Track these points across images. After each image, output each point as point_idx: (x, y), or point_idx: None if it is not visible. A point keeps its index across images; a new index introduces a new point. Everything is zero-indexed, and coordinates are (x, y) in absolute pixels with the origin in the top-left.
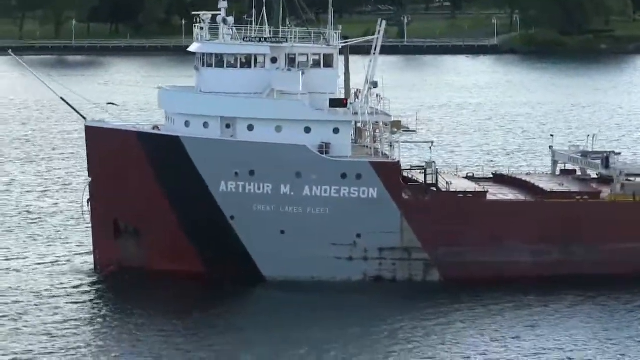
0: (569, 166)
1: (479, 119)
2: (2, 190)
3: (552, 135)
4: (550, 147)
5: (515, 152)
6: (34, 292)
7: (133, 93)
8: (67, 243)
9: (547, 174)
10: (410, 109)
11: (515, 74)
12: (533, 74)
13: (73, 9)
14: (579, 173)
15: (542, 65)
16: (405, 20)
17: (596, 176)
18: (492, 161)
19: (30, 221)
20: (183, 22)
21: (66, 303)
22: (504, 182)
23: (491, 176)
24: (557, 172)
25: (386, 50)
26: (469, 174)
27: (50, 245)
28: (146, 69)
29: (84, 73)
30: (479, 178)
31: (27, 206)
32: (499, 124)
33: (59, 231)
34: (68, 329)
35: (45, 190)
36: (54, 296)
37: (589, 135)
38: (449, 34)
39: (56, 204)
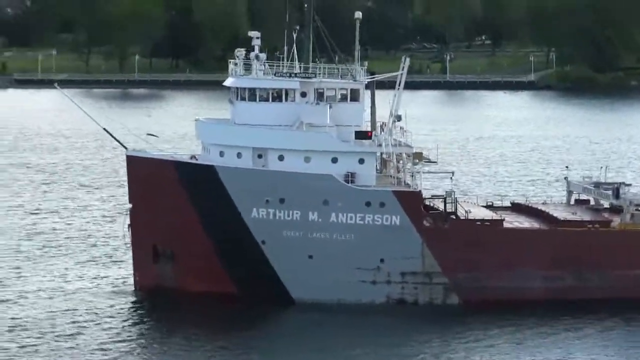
0: (583, 196)
1: (517, 150)
2: (50, 215)
3: (567, 167)
4: (566, 178)
5: (542, 182)
6: (78, 312)
7: (182, 124)
8: (110, 266)
9: (562, 203)
10: (449, 140)
11: (551, 109)
12: (568, 109)
13: (136, 45)
14: (592, 203)
15: (577, 100)
16: (448, 58)
17: (608, 206)
18: (515, 190)
19: (76, 245)
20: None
21: (108, 322)
22: (521, 211)
23: (509, 205)
24: (572, 202)
25: (429, 86)
26: (488, 203)
27: (94, 268)
28: (203, 102)
29: (145, 105)
30: (498, 207)
31: (72, 231)
32: (533, 155)
33: (102, 255)
34: (109, 345)
35: (90, 216)
36: (97, 315)
37: (601, 167)
38: (489, 70)
39: (99, 229)
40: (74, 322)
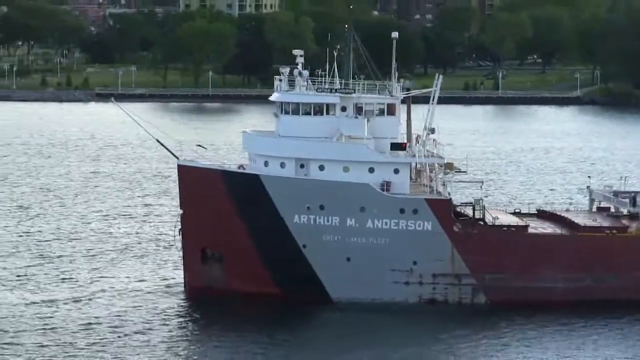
0: (604, 204)
1: (559, 160)
2: (110, 220)
3: (589, 177)
4: (588, 187)
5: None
6: (134, 310)
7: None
8: (161, 267)
9: (584, 210)
10: (496, 151)
11: (594, 123)
12: (610, 123)
13: (210, 62)
14: (612, 210)
15: (619, 114)
16: (500, 75)
17: (627, 213)
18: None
19: (131, 248)
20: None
21: (159, 319)
22: (546, 218)
23: (535, 212)
24: (594, 209)
25: (482, 101)
26: (516, 210)
27: (147, 269)
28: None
29: (219, 119)
30: (524, 214)
31: (128, 235)
32: (572, 165)
33: (154, 257)
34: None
35: (144, 221)
36: (149, 314)
37: (621, 177)
38: (538, 86)
39: (154, 233)
40: (131, 320)
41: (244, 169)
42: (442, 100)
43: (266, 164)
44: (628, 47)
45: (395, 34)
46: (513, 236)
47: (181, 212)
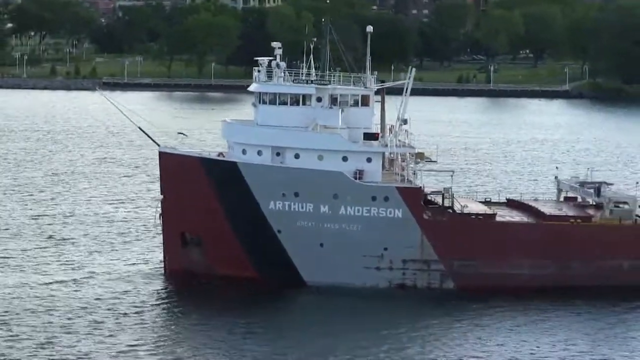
0: (571, 194)
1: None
2: (91, 204)
3: (557, 167)
4: (556, 177)
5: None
6: (113, 291)
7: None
8: (142, 251)
9: (552, 200)
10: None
11: (581, 115)
12: (597, 116)
13: (214, 54)
14: (579, 200)
15: (606, 108)
16: (492, 68)
17: (593, 203)
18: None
19: (113, 232)
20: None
21: (139, 301)
22: (514, 207)
23: (505, 201)
24: (561, 199)
25: (475, 93)
26: (486, 199)
27: (127, 253)
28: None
29: (221, 107)
30: (495, 202)
31: (109, 219)
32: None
33: (136, 240)
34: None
35: (125, 205)
36: (129, 295)
37: (588, 168)
38: (528, 80)
39: (134, 217)
40: (111, 303)
41: (224, 156)
42: (436, 93)
43: (244, 151)
44: (617, 44)
45: (369, 28)
46: (480, 224)
47: (162, 197)
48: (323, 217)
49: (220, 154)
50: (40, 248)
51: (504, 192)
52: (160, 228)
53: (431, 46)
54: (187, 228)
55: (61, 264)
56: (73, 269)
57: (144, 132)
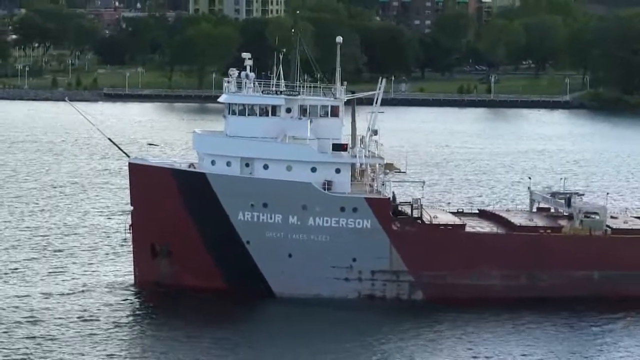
0: (543, 204)
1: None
2: (60, 214)
3: (529, 178)
4: (529, 187)
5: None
6: (83, 303)
7: None
8: (113, 262)
9: (524, 210)
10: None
11: (582, 125)
12: (597, 126)
13: (214, 64)
14: (552, 210)
15: (607, 118)
16: (493, 79)
17: (566, 214)
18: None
19: (82, 243)
20: (306, 77)
21: (109, 312)
22: (486, 217)
23: (477, 212)
24: (534, 210)
25: (476, 104)
26: (459, 210)
27: (98, 264)
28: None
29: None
30: (467, 213)
31: (78, 230)
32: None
33: (106, 252)
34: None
35: (93, 216)
36: (97, 307)
37: (561, 178)
38: (529, 91)
39: (104, 228)
40: (77, 314)
41: (195, 167)
42: (437, 103)
43: (213, 162)
44: (618, 54)
45: (339, 39)
46: (449, 235)
47: (132, 208)
48: (291, 227)
49: (192, 164)
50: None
51: (492, 203)
52: (129, 239)
53: (432, 56)
54: (156, 239)
55: (30, 276)
56: (42, 280)
57: (113, 143)
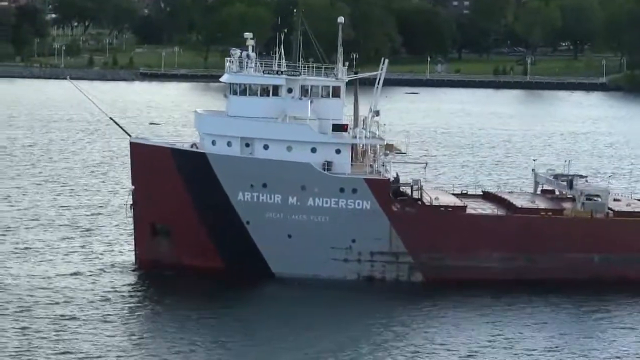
0: (547, 186)
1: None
2: (63, 194)
3: (534, 160)
4: (533, 169)
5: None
6: (85, 282)
7: None
8: (114, 241)
9: (528, 192)
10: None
11: (618, 107)
12: (634, 108)
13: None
14: (557, 193)
15: None
16: (529, 61)
17: (570, 196)
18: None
19: (84, 222)
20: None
21: (110, 291)
22: (489, 199)
23: (481, 193)
24: (538, 192)
25: (512, 85)
26: (463, 191)
27: (99, 243)
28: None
29: None
30: (470, 195)
31: (81, 209)
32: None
33: (108, 231)
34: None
35: (97, 196)
36: (100, 285)
37: (565, 161)
38: (565, 73)
39: (106, 207)
40: (79, 293)
41: (197, 147)
42: (473, 85)
43: (214, 142)
44: None
45: (340, 19)
46: (449, 216)
47: (133, 187)
48: (291, 208)
49: (194, 144)
50: (28, 237)
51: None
52: (131, 218)
53: (470, 38)
54: (156, 218)
55: (32, 255)
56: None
57: (115, 122)
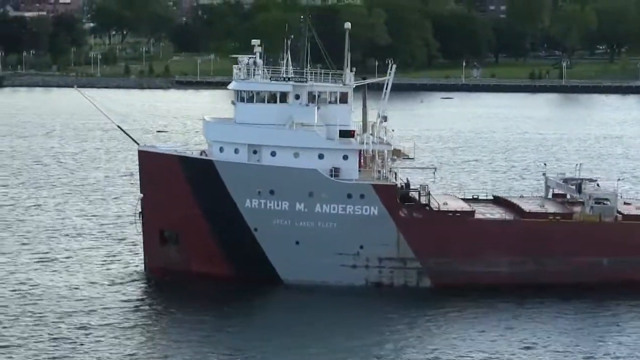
0: (557, 190)
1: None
2: (71, 202)
3: (545, 164)
4: (544, 173)
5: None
6: (94, 289)
7: None
8: (123, 248)
9: (539, 197)
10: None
11: None
12: None
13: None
14: (568, 197)
15: None
16: (565, 64)
17: (580, 200)
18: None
19: (92, 229)
20: (377, 63)
21: (119, 298)
22: (499, 204)
23: (492, 198)
24: (550, 196)
25: (547, 89)
26: (474, 196)
27: (108, 250)
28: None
29: None
30: (481, 200)
31: (89, 217)
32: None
33: (116, 239)
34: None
35: (105, 203)
36: (110, 292)
37: (576, 164)
38: (602, 76)
39: (114, 215)
40: (89, 300)
41: (206, 154)
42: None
43: (221, 149)
44: None
45: (347, 25)
46: (457, 221)
47: (141, 195)
48: (298, 214)
49: (203, 152)
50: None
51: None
52: (139, 226)
53: (506, 42)
54: (165, 226)
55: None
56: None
57: (123, 131)
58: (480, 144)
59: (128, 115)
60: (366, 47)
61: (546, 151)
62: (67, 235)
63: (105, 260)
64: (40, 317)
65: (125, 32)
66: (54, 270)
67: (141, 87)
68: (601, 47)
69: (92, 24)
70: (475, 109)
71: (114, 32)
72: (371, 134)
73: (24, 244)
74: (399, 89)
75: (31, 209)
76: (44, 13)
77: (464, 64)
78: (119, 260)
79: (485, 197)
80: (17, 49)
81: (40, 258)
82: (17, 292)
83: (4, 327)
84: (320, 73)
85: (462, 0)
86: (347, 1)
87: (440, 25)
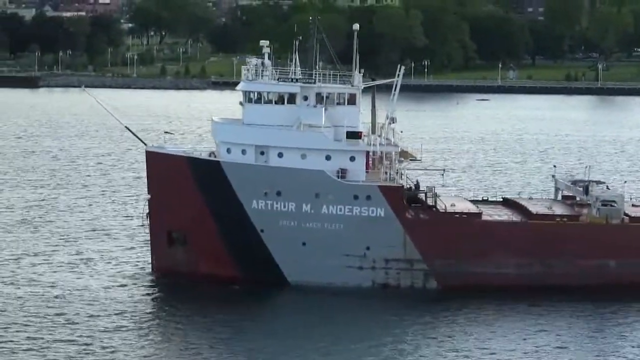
0: (566, 192)
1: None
2: (80, 203)
3: (554, 166)
4: (553, 176)
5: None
6: (102, 290)
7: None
8: (130, 250)
9: (548, 199)
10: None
11: None
12: None
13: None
14: (578, 199)
15: None
16: (601, 67)
17: (589, 202)
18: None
19: (100, 231)
20: (412, 64)
21: (127, 299)
22: (508, 205)
23: (501, 200)
24: (559, 198)
25: (582, 92)
26: (483, 198)
27: (116, 251)
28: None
29: None
30: (491, 201)
31: (97, 218)
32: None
33: (124, 239)
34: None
35: (113, 204)
36: (117, 293)
37: (586, 167)
38: (638, 78)
39: (123, 216)
40: (97, 301)
41: (215, 155)
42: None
43: (229, 150)
44: None
45: (356, 26)
46: (463, 223)
47: (149, 196)
48: (305, 216)
49: (212, 153)
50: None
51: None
52: (147, 227)
53: (543, 44)
54: (172, 227)
55: (49, 262)
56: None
57: (131, 131)
58: (512, 146)
59: (169, 117)
60: (403, 47)
61: (585, 153)
62: (84, 237)
63: (112, 261)
64: (48, 318)
65: (163, 33)
66: (63, 272)
67: (177, 87)
68: (638, 50)
69: (130, 25)
70: (511, 111)
71: (152, 33)
72: (379, 136)
73: (32, 244)
74: (434, 91)
75: (48, 209)
76: (83, 13)
77: (500, 65)
78: (126, 262)
79: (494, 199)
80: (53, 49)
81: (46, 260)
82: (26, 293)
83: (14, 329)
84: (329, 74)
85: (499, 1)
86: (385, 2)
87: (477, 27)
